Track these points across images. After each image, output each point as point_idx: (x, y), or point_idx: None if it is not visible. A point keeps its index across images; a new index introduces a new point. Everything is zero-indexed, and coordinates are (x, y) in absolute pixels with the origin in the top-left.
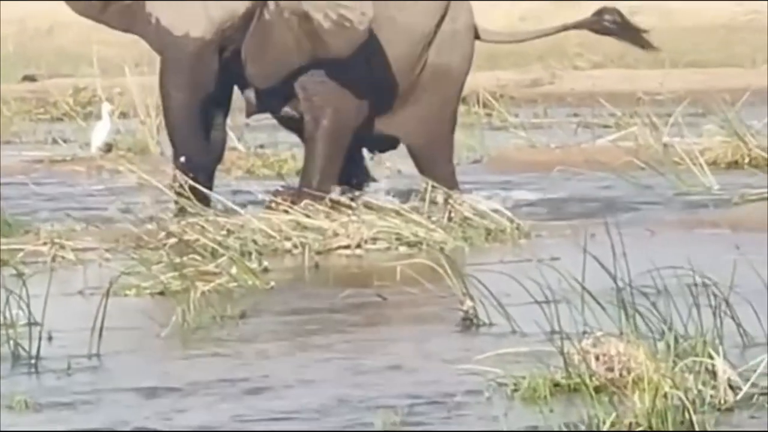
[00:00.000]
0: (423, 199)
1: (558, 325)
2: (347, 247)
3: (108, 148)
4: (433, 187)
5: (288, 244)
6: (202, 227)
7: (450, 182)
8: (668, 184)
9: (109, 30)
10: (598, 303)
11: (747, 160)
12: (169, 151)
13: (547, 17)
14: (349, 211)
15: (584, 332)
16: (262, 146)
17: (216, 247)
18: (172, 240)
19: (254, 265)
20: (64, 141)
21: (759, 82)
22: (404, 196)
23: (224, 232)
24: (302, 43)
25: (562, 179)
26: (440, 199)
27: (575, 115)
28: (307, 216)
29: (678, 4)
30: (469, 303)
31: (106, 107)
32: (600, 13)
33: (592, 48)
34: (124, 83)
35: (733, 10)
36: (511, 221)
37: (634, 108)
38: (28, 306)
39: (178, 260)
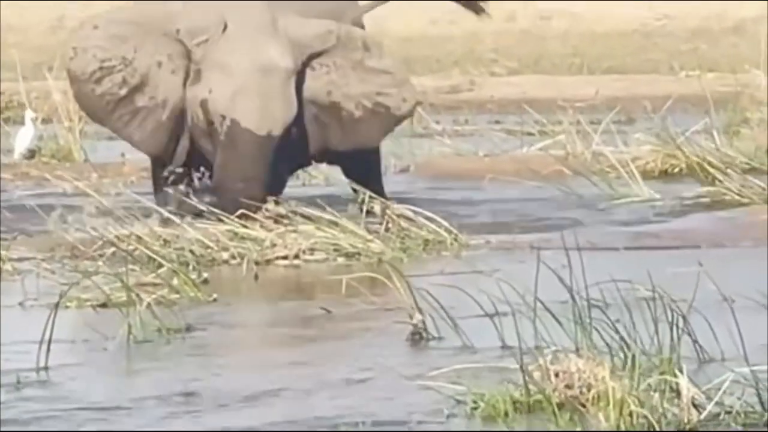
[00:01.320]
0: (360, 209)
1: (511, 339)
2: (285, 257)
3: (31, 154)
4: (370, 197)
5: (225, 255)
6: (139, 237)
7: (380, 192)
8: (601, 194)
9: (23, 33)
10: (554, 316)
11: (678, 169)
12: (92, 157)
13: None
14: (286, 222)
15: (537, 347)
16: None
17: (155, 257)
18: (109, 250)
19: (194, 276)
20: None
21: (678, 89)
22: (340, 205)
23: (161, 242)
24: (328, 134)
25: (493, 188)
26: (377, 209)
27: (497, 122)
28: (244, 226)
29: (588, 8)
30: (418, 316)
31: (29, 114)
32: None
33: (507, 53)
34: (43, 87)
35: (645, 14)
36: (449, 232)
37: (555, 115)
38: None
39: (118, 271)
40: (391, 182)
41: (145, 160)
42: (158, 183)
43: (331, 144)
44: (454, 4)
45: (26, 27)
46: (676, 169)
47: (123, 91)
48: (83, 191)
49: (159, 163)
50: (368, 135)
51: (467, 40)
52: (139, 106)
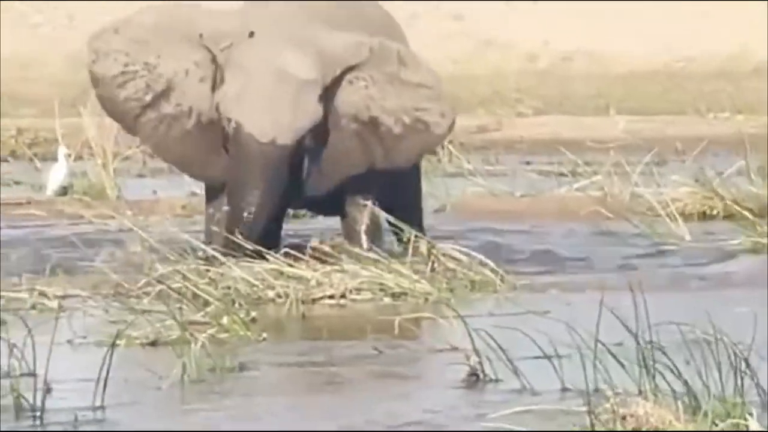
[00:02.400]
0: (405, 249)
1: (571, 381)
2: (332, 297)
3: (63, 191)
4: (416, 236)
5: (271, 293)
6: (184, 275)
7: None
8: (642, 235)
9: (40, 67)
10: (615, 358)
11: (716, 211)
12: (127, 194)
13: None
14: (331, 260)
15: (597, 389)
16: None
17: (204, 295)
18: (154, 288)
19: (242, 315)
20: (16, 183)
21: (708, 130)
22: (385, 245)
23: (206, 281)
24: (370, 150)
25: (534, 229)
26: (423, 248)
27: (528, 162)
28: (290, 265)
29: (608, 49)
30: (475, 358)
31: (62, 150)
32: None
33: (531, 93)
34: (71, 123)
35: (665, 56)
36: (496, 272)
37: (586, 155)
38: (22, 355)
39: (170, 309)
40: (427, 222)
41: (178, 198)
42: (207, 217)
43: (373, 161)
44: (473, 44)
45: (46, 61)
46: (714, 211)
47: (148, 97)
48: (127, 227)
49: (210, 198)
50: (408, 153)
51: (490, 80)
52: (164, 113)
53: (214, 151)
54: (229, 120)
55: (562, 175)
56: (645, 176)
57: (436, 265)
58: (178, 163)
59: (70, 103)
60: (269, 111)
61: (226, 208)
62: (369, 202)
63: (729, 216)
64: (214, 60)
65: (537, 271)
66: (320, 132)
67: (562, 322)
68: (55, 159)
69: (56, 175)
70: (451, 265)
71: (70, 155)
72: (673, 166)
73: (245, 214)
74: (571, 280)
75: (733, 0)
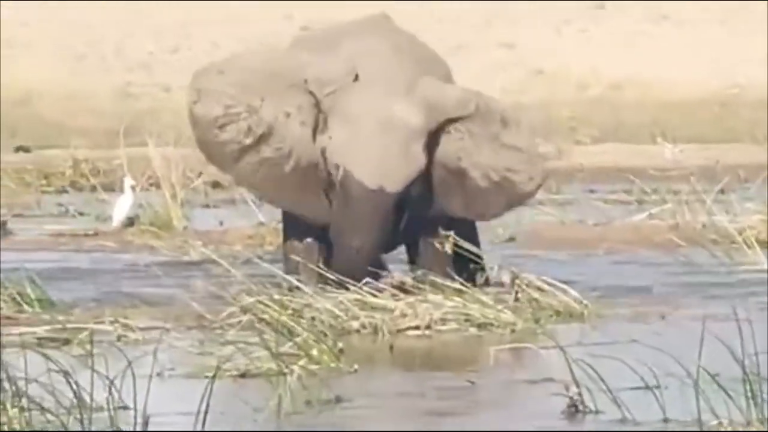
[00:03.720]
0: (488, 279)
1: (672, 411)
2: (417, 327)
3: (130, 222)
4: (499, 266)
5: (356, 324)
6: (267, 305)
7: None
8: (720, 263)
9: (88, 99)
10: (722, 388)
11: None
12: (193, 225)
13: None
14: (415, 291)
15: (700, 420)
16: None
17: (293, 326)
18: (238, 318)
19: (330, 345)
20: (80, 213)
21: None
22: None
23: (290, 312)
24: (455, 199)
25: (609, 257)
26: (506, 278)
27: (591, 190)
28: (373, 296)
29: (658, 77)
30: (574, 388)
31: (128, 181)
32: None
33: (584, 122)
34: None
35: (716, 83)
36: (580, 302)
37: (647, 183)
38: (112, 387)
39: (262, 340)
40: (500, 252)
41: (245, 228)
42: (287, 248)
43: (451, 209)
44: (524, 72)
45: (92, 93)
46: None
47: (248, 140)
48: (199, 258)
49: (291, 229)
50: (490, 207)
51: (543, 109)
52: (264, 157)
53: (314, 192)
54: (338, 166)
55: (627, 203)
56: (715, 204)
57: (519, 294)
58: (276, 202)
59: (120, 133)
60: (379, 159)
61: (309, 240)
62: (451, 233)
63: None
64: (317, 105)
65: (621, 299)
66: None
67: (658, 350)
68: (114, 189)
69: (122, 206)
70: (535, 294)
71: (135, 186)
72: (739, 194)
73: (353, 256)
74: (655, 309)
75: None
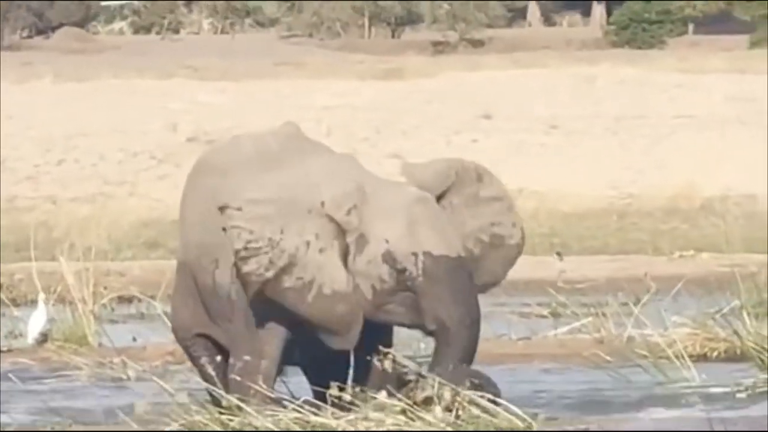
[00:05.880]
0: (430, 396)
1: None
2: None
3: (44, 338)
4: (440, 383)
5: None
6: (206, 424)
7: None
8: (653, 379)
9: None
10: None
11: (717, 352)
12: (105, 340)
13: None
14: (355, 408)
15: None
16: None
17: None
18: None
19: None
20: None
21: (676, 269)
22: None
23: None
24: None
25: (536, 372)
26: (448, 396)
27: (502, 304)
28: (314, 414)
29: (550, 187)
30: None
31: (41, 296)
32: None
33: None
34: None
35: (609, 194)
36: (523, 419)
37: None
38: None
39: None
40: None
41: (163, 343)
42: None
43: None
44: None
45: None
46: (715, 353)
47: (270, 274)
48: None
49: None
50: (493, 272)
51: None
52: (285, 287)
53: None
54: (415, 255)
55: (543, 316)
56: (625, 317)
57: (461, 412)
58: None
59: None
60: (440, 231)
61: (250, 358)
62: (391, 351)
63: (729, 358)
64: (339, 229)
65: (563, 415)
66: None
67: None
68: (19, 304)
69: (37, 321)
70: (476, 411)
71: (48, 301)
72: (652, 307)
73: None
74: (601, 426)
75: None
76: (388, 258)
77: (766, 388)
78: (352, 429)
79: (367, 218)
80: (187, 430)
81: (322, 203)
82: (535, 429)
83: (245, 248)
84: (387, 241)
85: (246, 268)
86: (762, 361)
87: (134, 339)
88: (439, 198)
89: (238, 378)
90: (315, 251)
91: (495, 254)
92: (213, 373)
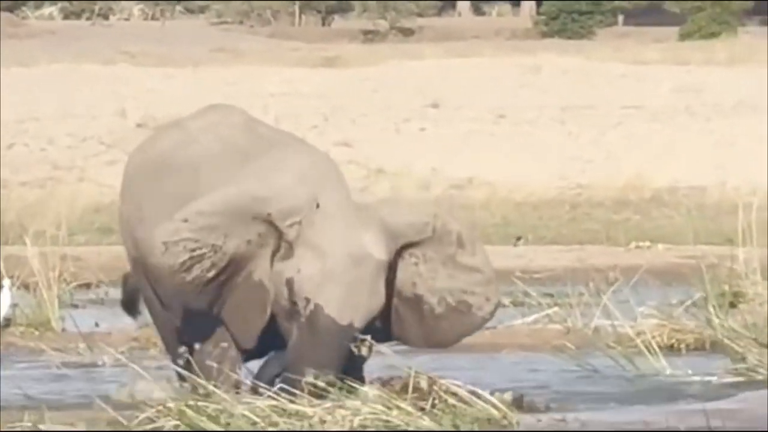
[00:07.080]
0: (406, 385)
1: None
2: None
3: (7, 323)
4: (416, 372)
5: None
6: (181, 411)
7: None
8: (623, 369)
9: None
10: None
11: (685, 344)
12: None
13: None
14: (331, 396)
15: None
16: None
17: None
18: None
19: None
20: None
21: (631, 259)
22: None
23: (206, 417)
24: (409, 328)
25: (507, 362)
26: (424, 384)
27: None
28: (290, 401)
29: (501, 178)
30: None
31: (5, 281)
32: None
33: None
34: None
35: (558, 184)
36: (498, 409)
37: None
38: None
39: None
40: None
41: (128, 329)
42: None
43: (409, 341)
44: (364, 171)
45: None
46: (683, 344)
47: (210, 274)
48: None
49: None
50: (446, 334)
51: None
52: (220, 280)
53: (257, 311)
54: (307, 299)
55: (504, 306)
56: (596, 307)
57: (437, 401)
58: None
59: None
60: (349, 296)
61: (224, 344)
62: (368, 337)
63: (696, 348)
64: (279, 233)
65: (535, 405)
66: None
67: None
68: None
69: (1, 306)
70: (452, 401)
71: (12, 286)
72: (613, 298)
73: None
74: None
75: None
76: (290, 285)
77: (743, 378)
78: (330, 417)
79: (302, 239)
80: (164, 414)
81: (269, 213)
82: (510, 418)
83: (190, 257)
84: (298, 271)
85: (190, 276)
86: (736, 352)
87: (96, 324)
88: (408, 246)
89: (209, 364)
90: (256, 246)
91: (456, 318)
92: (187, 359)
